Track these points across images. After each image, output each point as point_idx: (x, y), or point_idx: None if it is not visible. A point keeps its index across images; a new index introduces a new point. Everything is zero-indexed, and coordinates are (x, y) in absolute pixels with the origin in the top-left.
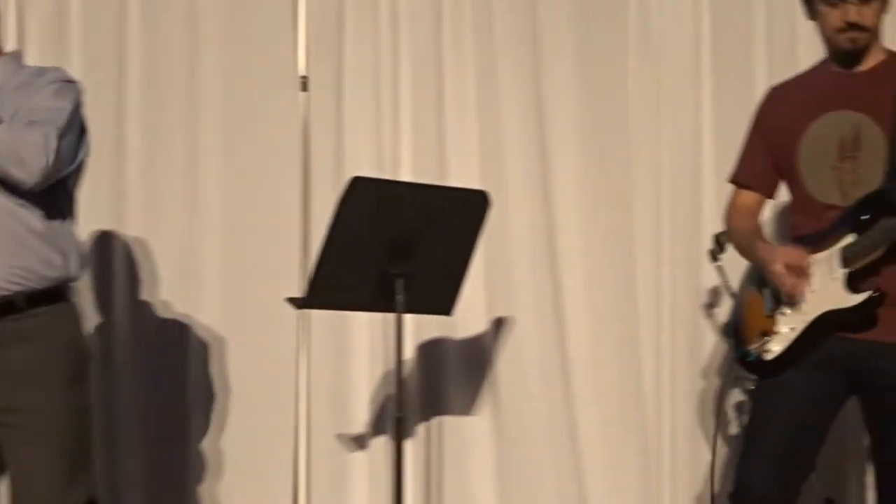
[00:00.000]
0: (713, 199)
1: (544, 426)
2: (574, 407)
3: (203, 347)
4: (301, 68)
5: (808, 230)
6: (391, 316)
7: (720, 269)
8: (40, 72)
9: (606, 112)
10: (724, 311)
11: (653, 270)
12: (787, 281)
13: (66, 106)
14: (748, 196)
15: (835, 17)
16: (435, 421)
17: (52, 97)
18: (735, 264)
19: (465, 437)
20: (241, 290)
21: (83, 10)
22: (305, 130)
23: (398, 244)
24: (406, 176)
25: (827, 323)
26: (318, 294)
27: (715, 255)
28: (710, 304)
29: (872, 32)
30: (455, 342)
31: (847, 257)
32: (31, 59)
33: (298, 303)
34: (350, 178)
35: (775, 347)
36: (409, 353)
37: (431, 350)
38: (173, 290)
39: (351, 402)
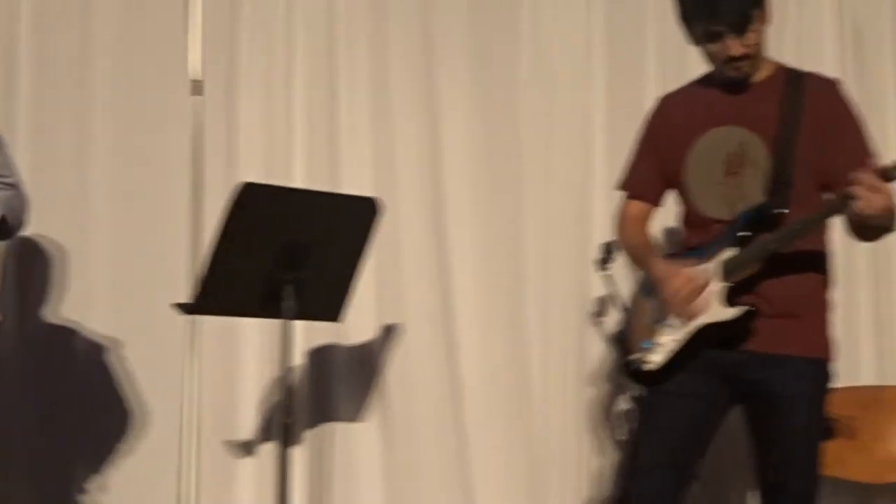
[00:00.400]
0: (603, 208)
1: (433, 433)
2: (462, 414)
3: (91, 351)
4: (194, 72)
5: (695, 243)
6: (280, 322)
7: (608, 278)
8: None
9: (498, 120)
10: (612, 319)
11: (542, 279)
12: (677, 300)
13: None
14: (636, 205)
15: (717, 51)
16: (323, 427)
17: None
18: (624, 273)
19: (354, 443)
20: (130, 295)
21: None
22: (197, 134)
23: (288, 250)
24: (298, 181)
25: (706, 335)
26: (206, 300)
27: (603, 264)
28: (598, 313)
29: (757, 53)
30: (345, 349)
31: (726, 271)
32: None
33: (186, 308)
34: (240, 184)
35: (656, 358)
36: (298, 359)
37: (321, 356)
38: (61, 294)
39: (239, 409)
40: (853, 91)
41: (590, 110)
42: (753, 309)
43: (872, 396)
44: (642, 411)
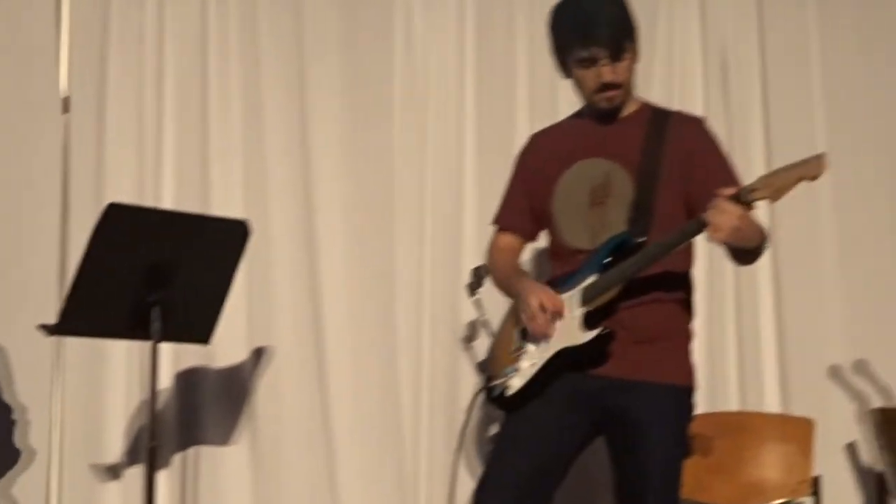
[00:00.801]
0: (474, 233)
1: (302, 457)
2: (332, 438)
3: None
4: (63, 89)
5: (559, 275)
6: (148, 343)
7: (478, 303)
8: None
9: (371, 145)
10: (482, 344)
11: (413, 303)
12: (538, 319)
13: None
14: (509, 238)
15: (590, 78)
16: (191, 451)
17: None
18: (494, 299)
19: (222, 466)
20: None
21: None
22: (66, 153)
23: (155, 272)
24: (168, 202)
25: (564, 359)
26: (71, 321)
27: (473, 288)
28: (468, 338)
29: (627, 86)
30: (213, 371)
31: (585, 298)
32: None
33: (50, 329)
34: (106, 205)
35: (516, 382)
36: (166, 381)
37: (189, 379)
38: None
39: (106, 432)
40: (720, 127)
41: (461, 141)
42: (608, 331)
43: (736, 422)
44: (500, 435)
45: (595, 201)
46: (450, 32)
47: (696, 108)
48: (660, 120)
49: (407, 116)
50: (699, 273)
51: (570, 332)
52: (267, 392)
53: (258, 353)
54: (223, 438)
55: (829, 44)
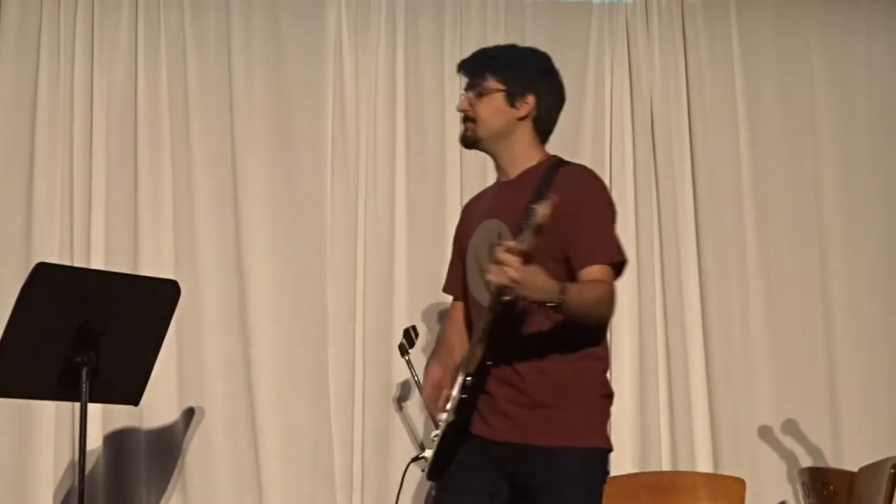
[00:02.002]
0: (405, 295)
1: None
2: (262, 498)
3: None
4: None
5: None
6: (77, 404)
7: (409, 363)
8: None
9: (301, 205)
10: (414, 404)
11: (347, 362)
12: (427, 400)
13: None
14: (456, 305)
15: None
16: None
17: None
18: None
19: None
20: None
21: None
22: None
23: (85, 331)
24: (97, 262)
25: (452, 428)
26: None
27: (404, 349)
28: (401, 398)
29: (483, 125)
30: (144, 431)
31: (463, 363)
32: None
33: None
34: (35, 265)
35: (428, 453)
36: (95, 442)
37: (119, 439)
38: None
39: (34, 492)
40: (649, 179)
41: (394, 201)
42: (465, 397)
43: (668, 481)
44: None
45: (492, 259)
46: (381, 85)
47: (626, 159)
48: (550, 174)
49: (340, 173)
50: (628, 337)
51: (453, 401)
52: (198, 452)
53: (189, 413)
54: (154, 498)
55: (754, 95)
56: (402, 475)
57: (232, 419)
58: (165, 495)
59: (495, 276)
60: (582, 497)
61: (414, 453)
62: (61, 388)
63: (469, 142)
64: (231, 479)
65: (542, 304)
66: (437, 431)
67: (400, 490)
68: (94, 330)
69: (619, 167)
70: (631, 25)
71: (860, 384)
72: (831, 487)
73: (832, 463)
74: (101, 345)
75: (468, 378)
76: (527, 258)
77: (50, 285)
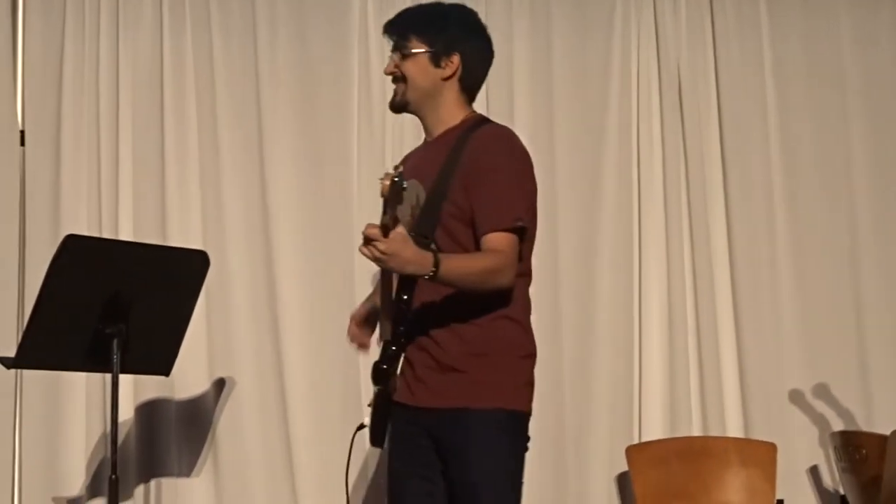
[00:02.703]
0: None
1: (264, 486)
2: (293, 468)
3: None
4: (19, 122)
5: None
6: (108, 375)
7: None
8: None
9: (329, 172)
10: None
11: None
12: (348, 331)
13: None
14: None
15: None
16: (153, 482)
17: None
18: None
19: (184, 498)
20: None
21: None
22: (22, 185)
23: (114, 303)
24: (126, 234)
25: (380, 396)
26: (30, 353)
27: None
28: None
29: (412, 87)
30: (174, 402)
31: (381, 330)
32: None
33: (8, 362)
34: (64, 237)
35: (366, 421)
36: (126, 413)
37: (150, 410)
38: None
39: (66, 464)
40: (677, 147)
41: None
42: (384, 367)
43: (699, 446)
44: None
45: (413, 221)
46: None
47: (653, 127)
48: (465, 136)
49: (366, 145)
50: (657, 302)
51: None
52: (228, 422)
53: (219, 384)
54: (185, 469)
55: (781, 58)
56: (350, 443)
57: (262, 389)
58: (197, 466)
59: (364, 252)
60: (493, 460)
61: None
62: (92, 359)
63: (399, 105)
64: (262, 449)
65: (415, 276)
66: (370, 400)
67: (349, 457)
68: (123, 301)
69: (646, 137)
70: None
71: (892, 347)
72: (863, 451)
73: (864, 426)
74: (131, 316)
75: (385, 345)
76: (385, 231)
77: (79, 257)
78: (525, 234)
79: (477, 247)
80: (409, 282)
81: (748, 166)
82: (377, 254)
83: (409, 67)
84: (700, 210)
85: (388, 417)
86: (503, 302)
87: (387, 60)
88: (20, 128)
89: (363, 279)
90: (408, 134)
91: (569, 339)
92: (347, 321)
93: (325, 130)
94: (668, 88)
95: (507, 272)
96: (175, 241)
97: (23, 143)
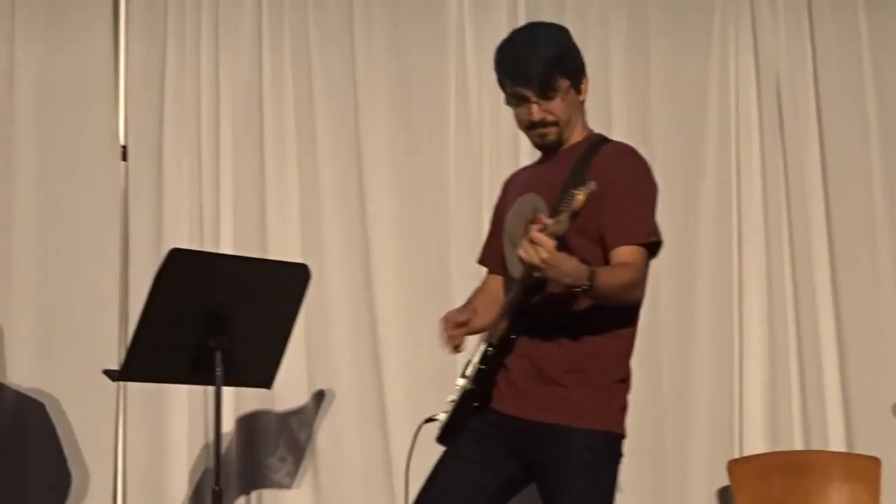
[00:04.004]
0: None
1: (363, 499)
2: (392, 480)
3: (18, 416)
4: (121, 137)
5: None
6: (210, 388)
7: None
8: None
9: (426, 189)
10: None
11: (469, 344)
12: (442, 332)
13: None
14: (491, 277)
15: (522, 114)
16: (254, 494)
17: None
18: None
19: None
20: (59, 361)
21: None
22: (125, 200)
23: (217, 316)
24: (226, 247)
25: (468, 396)
26: (135, 366)
27: None
28: None
29: (564, 122)
30: (275, 414)
31: (488, 333)
32: None
33: (115, 375)
34: (169, 250)
35: (442, 416)
36: (228, 425)
37: (251, 422)
38: None
39: (168, 475)
40: (776, 155)
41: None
42: (483, 368)
43: (802, 461)
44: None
45: (525, 236)
46: None
47: (752, 135)
48: (591, 151)
49: (462, 159)
50: (757, 314)
51: (472, 369)
52: (328, 433)
53: (318, 396)
54: (286, 481)
55: (882, 67)
56: (414, 435)
57: (361, 401)
58: (297, 478)
59: (526, 254)
60: (588, 481)
61: None
62: (195, 372)
63: (554, 146)
64: (361, 461)
65: (569, 287)
66: (454, 396)
67: (412, 449)
68: (226, 314)
69: (745, 148)
70: (756, 4)
71: None
72: None
73: None
74: (234, 329)
75: (489, 348)
76: (560, 240)
77: (184, 271)
78: (657, 250)
79: (598, 262)
80: (534, 289)
81: (849, 176)
82: (538, 260)
83: (558, 107)
84: (801, 221)
85: (468, 418)
86: (619, 321)
87: (483, 68)
88: (122, 143)
89: (460, 289)
90: (504, 140)
91: (668, 352)
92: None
93: (421, 137)
94: (768, 98)
95: (641, 286)
96: (274, 253)
97: (125, 158)
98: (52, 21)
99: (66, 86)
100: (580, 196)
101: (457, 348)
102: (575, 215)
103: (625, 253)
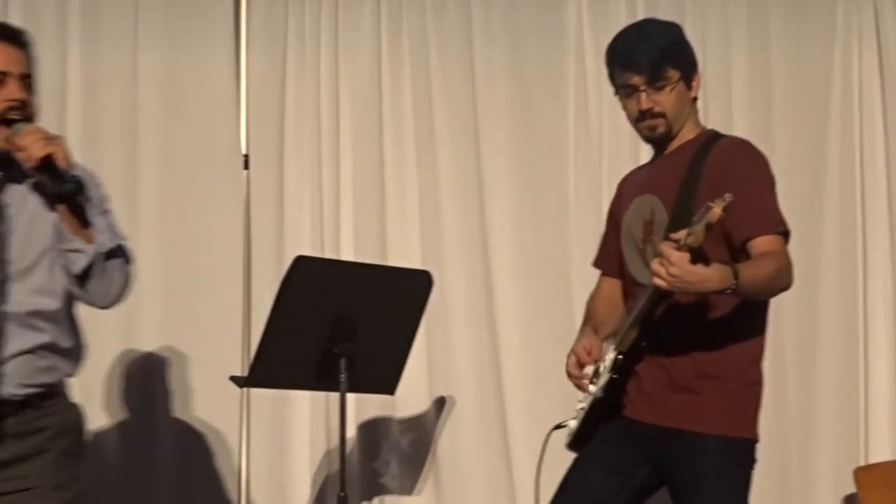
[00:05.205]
0: None
1: None
2: (514, 487)
3: (144, 422)
4: (243, 146)
5: (626, 311)
6: (331, 394)
7: None
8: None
9: (546, 192)
10: None
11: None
12: (571, 370)
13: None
14: (607, 281)
15: (631, 106)
16: (376, 500)
17: (110, 214)
18: None
19: None
20: (184, 368)
21: None
22: (247, 208)
23: (341, 323)
24: (347, 254)
25: (598, 404)
26: (262, 373)
27: None
28: None
29: (673, 116)
30: (396, 421)
31: (618, 340)
32: None
33: (241, 381)
34: (294, 258)
35: (573, 423)
36: (349, 431)
37: (372, 429)
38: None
39: (292, 480)
40: None
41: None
42: (615, 378)
43: None
44: (565, 474)
45: (646, 237)
46: None
47: (876, 134)
48: (705, 148)
49: (582, 153)
50: (882, 315)
51: (601, 378)
52: (449, 440)
53: (439, 402)
54: (407, 487)
55: None
56: (543, 442)
57: (482, 408)
58: (418, 484)
59: (659, 274)
60: (723, 487)
61: None
62: (319, 378)
63: (663, 139)
64: (482, 468)
65: (715, 293)
66: (583, 403)
67: (542, 457)
68: (350, 321)
69: (869, 147)
70: (879, 1)
71: None
72: None
73: None
74: (358, 336)
75: (620, 356)
76: (694, 252)
77: (308, 278)
78: (786, 240)
79: (718, 259)
80: (661, 297)
81: None
82: (667, 277)
83: (668, 99)
84: None
85: (599, 425)
86: (749, 326)
87: (602, 70)
88: (244, 152)
89: (581, 293)
90: (623, 140)
91: (792, 357)
92: (566, 337)
93: (541, 139)
94: (891, 95)
95: (789, 272)
96: (394, 259)
97: (247, 167)
98: (174, 32)
99: (188, 96)
100: (717, 209)
101: (581, 387)
102: (710, 227)
103: (762, 243)
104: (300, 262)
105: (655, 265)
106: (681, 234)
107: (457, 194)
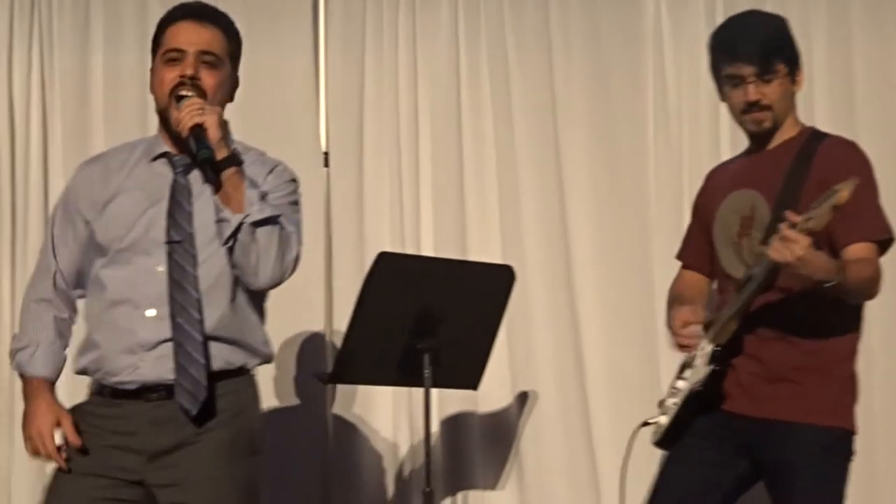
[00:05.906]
0: None
1: (569, 501)
2: (598, 481)
3: None
4: (322, 144)
5: (719, 305)
6: (414, 389)
7: None
8: (265, 161)
9: (625, 186)
10: None
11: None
12: (681, 337)
13: (300, 220)
14: (689, 274)
15: (737, 97)
16: (459, 495)
17: (294, 207)
18: None
19: None
20: (266, 367)
21: (104, 92)
22: (328, 205)
23: (425, 319)
24: (427, 250)
25: (693, 398)
26: (346, 369)
27: None
28: None
29: (779, 110)
30: (479, 416)
31: (714, 332)
32: None
33: (325, 378)
34: (378, 254)
35: (663, 420)
36: (432, 426)
37: (455, 424)
38: None
39: (372, 474)
40: None
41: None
42: (717, 369)
43: None
44: (658, 472)
45: (743, 231)
46: (702, 73)
47: None
48: (811, 146)
49: (662, 149)
50: None
51: (699, 370)
52: (531, 435)
53: (522, 397)
54: (491, 483)
55: None
56: (629, 440)
57: (564, 402)
58: (501, 479)
59: (778, 254)
60: (821, 479)
61: None
62: (403, 374)
63: (769, 131)
64: (565, 463)
65: (820, 283)
66: (675, 399)
67: (628, 454)
68: (433, 317)
69: None
70: None
71: None
72: None
73: None
74: (441, 331)
75: (718, 349)
76: (815, 236)
77: (392, 273)
78: (887, 248)
79: None
80: (763, 287)
81: None
82: (793, 257)
83: (775, 92)
84: None
85: (692, 421)
86: (847, 318)
87: (682, 65)
88: (324, 149)
89: (662, 288)
90: (703, 138)
91: (879, 348)
92: (647, 330)
93: (620, 136)
94: None
95: (879, 283)
96: (474, 255)
97: (327, 165)
98: (253, 32)
99: (269, 95)
100: (844, 192)
101: (686, 347)
102: (836, 210)
103: (858, 249)
104: (383, 258)
105: (777, 244)
106: (798, 218)
107: (537, 191)
